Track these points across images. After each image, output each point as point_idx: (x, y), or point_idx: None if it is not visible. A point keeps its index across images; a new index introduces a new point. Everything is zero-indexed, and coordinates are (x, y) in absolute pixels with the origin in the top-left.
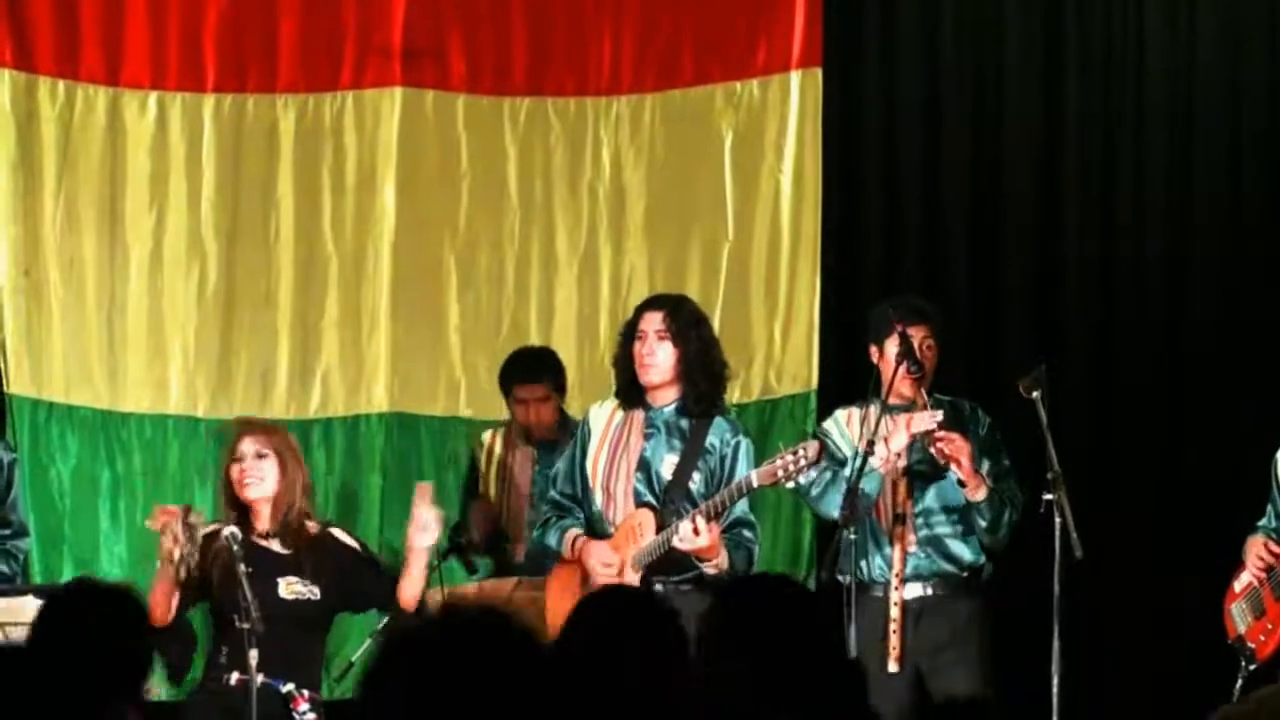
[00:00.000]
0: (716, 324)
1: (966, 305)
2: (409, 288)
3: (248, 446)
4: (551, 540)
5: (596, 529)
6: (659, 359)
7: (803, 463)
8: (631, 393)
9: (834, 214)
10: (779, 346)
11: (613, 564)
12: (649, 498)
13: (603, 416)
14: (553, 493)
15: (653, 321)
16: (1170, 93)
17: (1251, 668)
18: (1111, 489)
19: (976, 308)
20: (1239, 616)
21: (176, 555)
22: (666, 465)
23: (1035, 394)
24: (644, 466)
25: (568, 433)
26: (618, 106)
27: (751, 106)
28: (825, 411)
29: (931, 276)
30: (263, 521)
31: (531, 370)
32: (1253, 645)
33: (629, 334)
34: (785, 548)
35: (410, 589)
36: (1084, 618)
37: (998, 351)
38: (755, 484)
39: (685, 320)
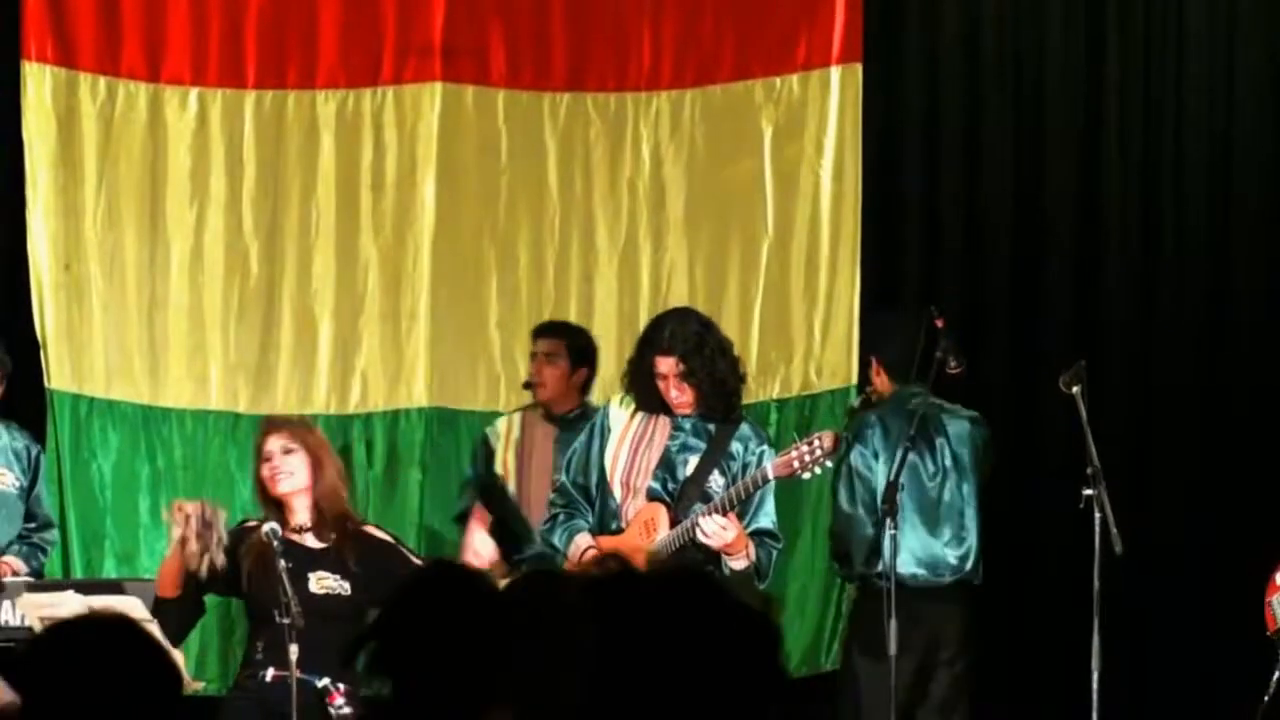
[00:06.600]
0: (756, 320)
1: (1007, 301)
2: (449, 283)
3: (274, 444)
4: (558, 540)
5: (607, 524)
6: (686, 398)
7: (818, 453)
8: (655, 406)
9: (874, 209)
10: (819, 342)
11: None
12: (663, 495)
13: (625, 413)
14: (563, 478)
15: (669, 366)
16: (1210, 89)
17: None
18: (1152, 485)
19: (1017, 303)
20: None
21: (193, 549)
22: (690, 466)
23: (1075, 389)
24: (667, 466)
25: (585, 418)
26: (658, 102)
27: (791, 102)
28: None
29: (972, 272)
30: (297, 516)
31: (552, 328)
32: None
33: (646, 369)
34: (822, 542)
35: None
36: (1124, 613)
37: (1038, 347)
38: (771, 475)
39: (697, 360)
